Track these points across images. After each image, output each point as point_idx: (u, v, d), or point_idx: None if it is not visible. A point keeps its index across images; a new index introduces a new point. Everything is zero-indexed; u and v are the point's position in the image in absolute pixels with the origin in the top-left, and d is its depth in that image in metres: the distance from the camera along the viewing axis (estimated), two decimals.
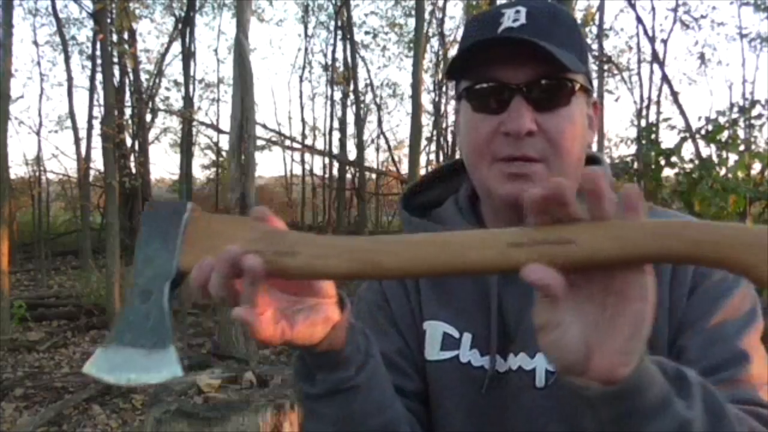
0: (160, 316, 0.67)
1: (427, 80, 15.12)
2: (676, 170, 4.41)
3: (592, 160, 0.97)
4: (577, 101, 0.88)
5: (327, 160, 16.24)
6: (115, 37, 10.27)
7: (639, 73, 14.78)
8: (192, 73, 14.41)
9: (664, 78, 11.44)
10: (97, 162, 13.81)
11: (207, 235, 0.69)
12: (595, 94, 0.95)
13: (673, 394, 0.62)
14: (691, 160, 4.39)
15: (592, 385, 0.60)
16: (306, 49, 17.20)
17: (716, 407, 0.66)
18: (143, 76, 14.96)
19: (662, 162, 4.39)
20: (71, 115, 13.06)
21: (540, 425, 0.86)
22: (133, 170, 13.36)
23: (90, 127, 12.47)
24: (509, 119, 0.84)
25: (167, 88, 16.33)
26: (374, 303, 1.00)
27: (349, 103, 16.14)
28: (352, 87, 14.89)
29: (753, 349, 0.81)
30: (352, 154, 16.16)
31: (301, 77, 17.03)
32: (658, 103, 13.27)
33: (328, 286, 0.73)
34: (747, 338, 0.82)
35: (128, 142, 13.79)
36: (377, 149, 19.22)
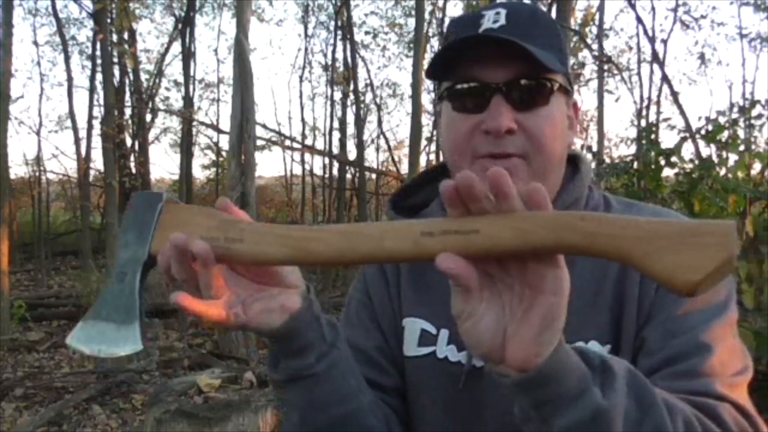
0: (131, 296, 0.73)
1: (427, 80, 15.13)
2: (676, 170, 4.41)
3: (574, 158, 0.99)
4: (556, 101, 0.89)
5: (327, 160, 16.24)
6: (115, 37, 10.28)
7: (639, 73, 14.78)
8: (192, 73, 14.43)
9: (664, 78, 11.43)
10: (97, 162, 13.83)
11: (176, 223, 0.74)
12: (576, 96, 0.97)
13: (591, 384, 0.63)
14: (691, 160, 4.39)
15: (510, 373, 0.62)
16: (306, 49, 17.21)
17: (646, 398, 0.66)
18: (143, 76, 14.97)
19: (662, 162, 4.38)
20: (71, 115, 13.05)
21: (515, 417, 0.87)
22: (133, 170, 13.36)
23: (90, 127, 12.47)
24: (489, 118, 0.86)
25: (167, 88, 16.34)
26: (360, 301, 1.03)
27: (349, 103, 16.14)
28: (352, 87, 14.88)
29: (717, 340, 0.81)
30: (352, 154, 16.17)
31: (301, 77, 17.02)
32: (658, 103, 13.27)
33: (292, 276, 0.77)
34: (712, 329, 0.82)
35: (128, 142, 13.79)
36: (377, 149, 19.22)
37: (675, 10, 13.77)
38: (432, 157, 16.05)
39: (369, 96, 17.27)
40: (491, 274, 0.61)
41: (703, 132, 4.34)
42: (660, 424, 0.65)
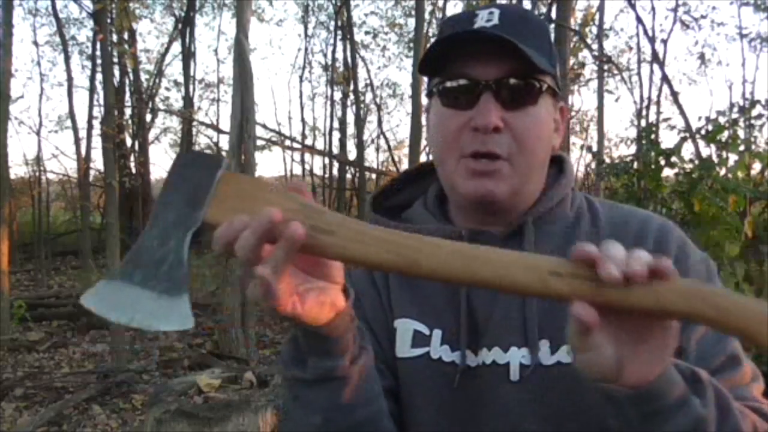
0: (177, 263, 0.65)
1: (427, 80, 15.13)
2: (676, 170, 4.40)
3: (559, 160, 1.00)
4: (544, 102, 0.90)
5: (327, 160, 16.25)
6: (115, 37, 10.28)
7: (639, 73, 14.77)
8: (192, 73, 14.44)
9: (664, 78, 11.43)
10: (97, 162, 13.81)
11: (237, 194, 0.67)
12: (562, 102, 0.98)
13: (690, 394, 0.68)
14: (691, 160, 4.39)
15: (622, 390, 0.66)
16: (306, 49, 17.20)
17: (724, 404, 0.72)
18: (143, 76, 14.97)
19: (662, 162, 4.38)
20: (71, 115, 13.04)
21: (515, 418, 0.88)
22: (133, 170, 13.36)
23: (90, 127, 12.46)
24: (478, 114, 0.87)
25: (167, 88, 16.33)
26: None
27: (349, 103, 16.14)
28: (352, 87, 14.87)
29: (740, 349, 0.87)
30: (352, 154, 16.17)
31: (301, 77, 17.02)
32: (658, 103, 13.26)
33: (337, 271, 0.74)
34: (735, 342, 0.87)
35: (128, 142, 13.79)
36: (377, 149, 19.22)
37: (675, 10, 13.78)
38: (432, 157, 16.04)
39: (369, 96, 17.27)
40: (610, 312, 0.63)
41: (703, 132, 4.34)
42: (737, 427, 0.72)
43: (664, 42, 13.83)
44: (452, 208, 0.99)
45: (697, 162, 4.31)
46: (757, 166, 4.31)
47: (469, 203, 0.92)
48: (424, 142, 13.96)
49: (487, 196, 0.89)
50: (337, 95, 16.44)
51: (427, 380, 0.92)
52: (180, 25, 14.08)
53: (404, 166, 14.31)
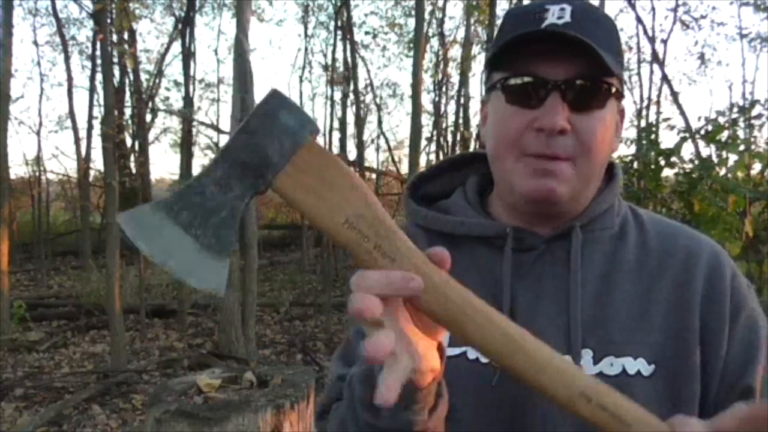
0: (230, 219, 0.58)
1: (427, 80, 15.09)
2: (676, 170, 4.41)
3: (611, 167, 0.98)
4: (611, 105, 0.87)
5: None
6: (115, 37, 10.26)
7: (639, 73, 14.76)
8: (192, 73, 14.39)
9: (664, 78, 11.44)
10: (97, 162, 13.84)
11: (317, 173, 0.60)
12: (623, 103, 0.95)
13: None
14: (691, 160, 4.39)
15: None
16: (306, 49, 17.17)
17: None
18: (143, 76, 14.93)
19: (662, 162, 4.38)
20: (71, 115, 13.07)
21: (551, 424, 0.86)
22: (133, 170, 13.35)
23: (90, 127, 12.47)
24: (544, 115, 0.84)
25: (167, 88, 16.30)
26: None
27: (349, 103, 16.12)
28: (352, 87, 14.87)
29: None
30: (352, 154, 16.16)
31: (301, 77, 16.96)
32: (658, 103, 13.25)
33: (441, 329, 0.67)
34: None
35: (128, 142, 13.78)
36: (377, 149, 19.24)
37: (675, 10, 13.78)
38: (432, 157, 16.04)
39: (369, 96, 17.26)
40: None
41: (702, 132, 4.34)
42: None
43: (664, 42, 13.84)
44: (495, 204, 0.97)
45: (696, 162, 4.31)
46: (756, 166, 4.31)
47: (526, 202, 0.89)
48: (424, 142, 13.90)
49: (548, 196, 0.86)
50: (337, 95, 16.42)
51: (464, 380, 0.89)
52: (180, 25, 14.05)
53: (404, 166, 14.31)
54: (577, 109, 0.84)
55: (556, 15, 0.85)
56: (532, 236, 0.91)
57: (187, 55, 13.18)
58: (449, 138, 15.86)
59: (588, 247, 0.90)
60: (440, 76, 15.74)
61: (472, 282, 0.92)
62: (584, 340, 0.86)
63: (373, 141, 18.53)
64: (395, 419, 0.71)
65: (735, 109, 4.82)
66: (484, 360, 0.89)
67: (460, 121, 15.24)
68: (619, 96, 0.90)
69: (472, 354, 0.90)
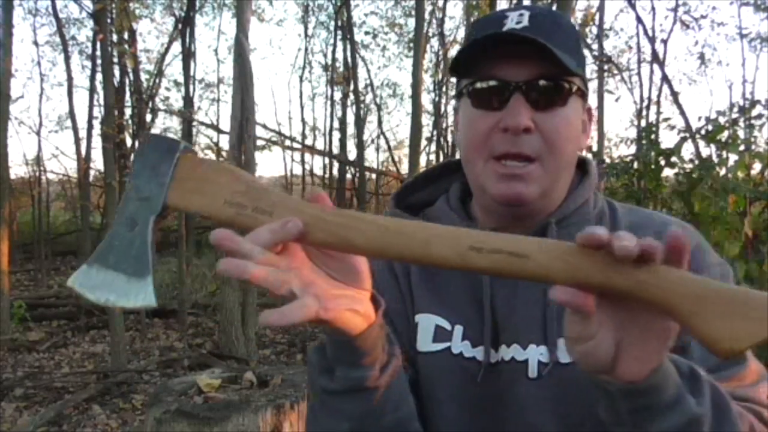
0: (142, 247, 0.70)
1: (427, 80, 15.10)
2: (676, 170, 4.41)
3: (582, 163, 1.01)
4: (573, 103, 0.91)
5: (327, 160, 16.23)
6: (115, 37, 10.26)
7: (639, 73, 14.76)
8: (192, 73, 14.40)
9: (664, 78, 11.44)
10: (97, 162, 13.82)
11: (196, 177, 0.70)
12: (589, 101, 0.98)
13: (685, 392, 0.67)
14: (691, 160, 4.39)
15: (616, 383, 0.65)
16: (306, 49, 17.20)
17: (722, 404, 0.71)
18: (143, 76, 14.93)
19: (662, 162, 4.38)
20: (71, 115, 13.02)
21: (532, 414, 0.88)
22: None
23: (90, 127, 12.44)
24: (508, 116, 0.87)
25: (167, 88, 16.29)
26: None
27: (349, 103, 16.13)
28: (352, 87, 14.87)
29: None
30: (352, 154, 16.16)
31: (301, 77, 17.02)
32: (658, 103, 13.25)
33: (364, 276, 0.73)
34: None
35: (128, 142, 13.78)
36: (377, 149, 19.21)
37: (675, 10, 13.78)
38: (432, 157, 16.05)
39: (369, 96, 17.27)
40: (609, 297, 0.62)
41: (703, 132, 4.34)
42: (734, 428, 0.71)
43: (664, 42, 13.84)
44: (476, 208, 1.00)
45: (697, 162, 4.32)
46: (756, 166, 4.31)
47: (498, 204, 0.92)
48: (424, 142, 13.94)
49: (516, 198, 0.89)
50: (337, 95, 16.44)
51: (448, 375, 0.92)
52: (180, 25, 14.06)
53: (404, 166, 14.31)
54: (540, 108, 0.88)
55: (515, 20, 0.90)
56: None
57: (187, 55, 13.20)
58: (449, 138, 15.86)
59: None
60: (440, 76, 15.74)
61: (456, 280, 0.97)
62: (560, 329, 0.87)
63: (373, 141, 18.55)
64: (347, 379, 0.76)
65: (735, 109, 4.83)
66: (468, 355, 0.92)
67: None
68: (582, 95, 0.93)
69: (456, 349, 0.93)
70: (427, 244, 0.64)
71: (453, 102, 1.12)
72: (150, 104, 14.65)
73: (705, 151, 4.55)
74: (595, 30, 11.53)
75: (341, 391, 0.78)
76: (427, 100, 15.60)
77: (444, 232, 0.64)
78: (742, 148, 4.13)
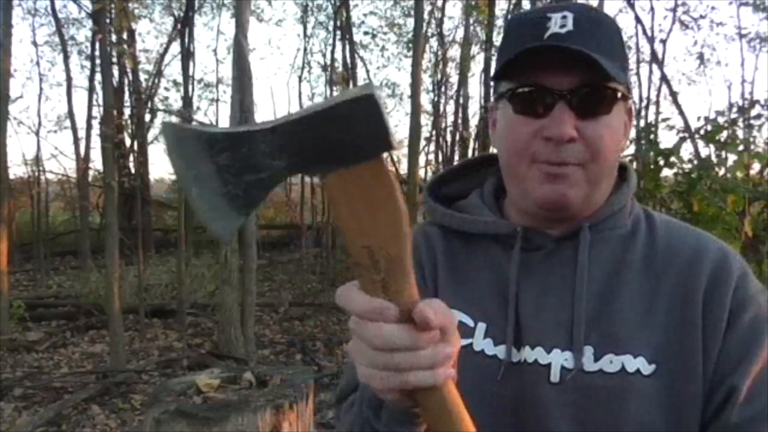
0: (266, 183, 0.57)
1: (426, 80, 15.10)
2: (675, 170, 4.41)
3: (622, 168, 0.99)
4: (617, 109, 0.89)
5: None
6: (114, 38, 10.26)
7: (638, 73, 14.74)
8: (191, 73, 14.40)
9: (663, 78, 11.45)
10: (97, 162, 13.81)
11: (366, 187, 0.58)
12: (631, 103, 0.96)
13: None
14: (690, 160, 4.40)
15: None
16: (305, 49, 17.19)
17: None
18: (142, 76, 14.91)
19: (661, 162, 4.39)
20: (70, 115, 13.05)
21: (552, 419, 0.87)
22: (133, 170, 13.35)
23: (89, 128, 12.46)
24: (551, 125, 0.85)
25: (166, 88, 16.33)
26: None
27: None
28: (351, 87, 14.87)
29: None
30: None
31: (300, 77, 16.96)
32: (657, 103, 13.26)
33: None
34: None
35: (127, 142, 13.78)
36: None
37: (674, 10, 13.78)
38: (431, 157, 16.05)
39: None
40: None
41: (702, 132, 4.35)
42: None
43: (663, 42, 13.84)
44: (509, 206, 0.99)
45: (696, 162, 4.32)
46: (756, 166, 4.31)
47: (540, 207, 0.91)
48: (423, 142, 13.92)
49: (561, 200, 0.88)
50: None
51: (469, 371, 0.90)
52: (179, 25, 14.06)
53: (403, 165, 14.31)
54: (584, 116, 0.86)
55: (558, 23, 0.86)
56: (541, 236, 0.93)
57: (186, 55, 13.20)
58: (448, 138, 15.87)
59: (596, 247, 0.92)
60: (439, 76, 15.76)
61: (482, 276, 0.96)
62: (587, 336, 0.87)
63: None
64: (392, 429, 0.76)
65: (734, 109, 4.83)
66: (489, 352, 0.91)
67: (459, 121, 15.24)
68: (625, 98, 0.91)
69: (478, 346, 0.92)
70: None
71: (482, 98, 1.08)
72: (149, 104, 14.64)
73: (704, 151, 4.56)
74: None
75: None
76: (426, 100, 15.60)
77: None
78: (741, 148, 4.13)
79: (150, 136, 15.01)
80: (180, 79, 14.16)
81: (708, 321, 0.86)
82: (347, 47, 14.91)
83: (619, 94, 0.88)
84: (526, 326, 0.90)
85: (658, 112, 11.77)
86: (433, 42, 15.59)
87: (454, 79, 15.67)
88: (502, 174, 0.96)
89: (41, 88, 15.81)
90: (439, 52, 15.84)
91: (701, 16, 14.34)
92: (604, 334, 0.87)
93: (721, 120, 4.33)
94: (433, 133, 16.04)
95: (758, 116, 4.68)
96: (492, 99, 0.99)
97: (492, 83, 0.97)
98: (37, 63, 15.32)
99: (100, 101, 10.76)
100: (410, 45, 14.23)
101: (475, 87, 16.20)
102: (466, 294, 0.95)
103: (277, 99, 62.12)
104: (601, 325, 0.87)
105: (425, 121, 15.32)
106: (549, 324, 0.90)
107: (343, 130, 0.54)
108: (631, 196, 0.98)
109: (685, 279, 0.89)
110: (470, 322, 0.93)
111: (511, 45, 0.89)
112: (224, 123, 14.81)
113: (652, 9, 13.60)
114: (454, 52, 15.69)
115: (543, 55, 0.85)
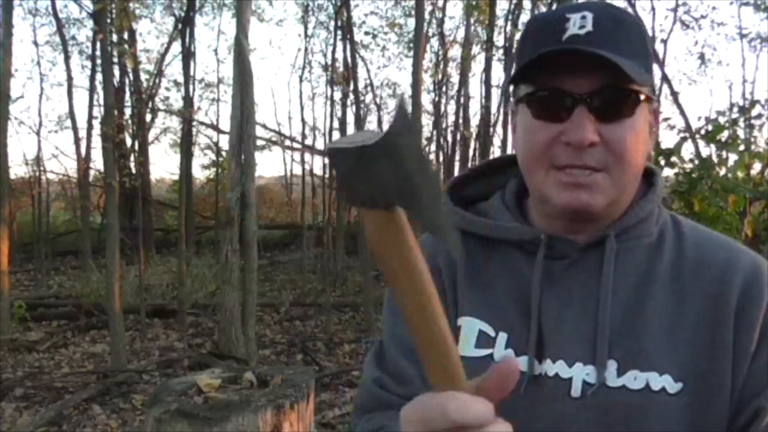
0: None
1: (427, 80, 15.09)
2: (676, 170, 4.40)
3: (649, 172, 0.96)
4: (641, 111, 0.85)
5: (327, 160, 16.20)
6: (115, 37, 10.26)
7: None
8: (192, 73, 14.40)
9: (664, 78, 11.42)
10: (97, 162, 13.82)
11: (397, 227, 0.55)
12: (656, 103, 0.93)
13: None
14: (691, 160, 4.39)
15: None
16: (306, 49, 17.17)
17: None
18: (143, 76, 14.92)
19: (662, 162, 4.38)
20: (71, 115, 13.06)
21: (579, 429, 0.84)
22: (133, 170, 13.35)
23: (90, 127, 12.48)
24: (571, 129, 0.82)
25: (167, 88, 16.26)
26: None
27: (348, 103, 16.11)
28: (351, 87, 14.86)
29: None
30: None
31: (300, 77, 16.97)
32: (657, 103, 13.24)
33: None
34: None
35: (128, 142, 13.78)
36: None
37: (675, 10, 13.78)
38: (432, 157, 16.04)
39: (369, 96, 17.26)
40: None
41: (702, 132, 4.34)
42: None
43: (664, 42, 13.83)
44: (533, 211, 0.96)
45: (696, 162, 4.31)
46: (756, 166, 4.31)
47: (561, 213, 0.88)
48: (424, 142, 13.88)
49: (583, 208, 0.85)
50: (337, 95, 16.42)
51: None
52: (180, 25, 14.06)
53: None
54: (606, 119, 0.83)
55: (578, 24, 0.83)
56: (565, 244, 0.90)
57: (187, 55, 13.20)
58: (449, 138, 15.87)
59: (622, 257, 0.88)
60: (440, 76, 15.73)
61: (504, 285, 0.93)
62: (610, 350, 0.84)
63: None
64: None
65: (735, 109, 4.83)
66: None
67: (460, 121, 15.23)
68: (649, 99, 0.87)
69: (498, 356, 0.89)
70: None
71: (500, 100, 1.05)
72: (150, 104, 14.65)
73: (705, 151, 4.55)
74: None
75: None
76: (426, 100, 15.59)
77: None
78: (741, 148, 4.13)
79: (151, 136, 15.04)
80: (181, 79, 14.16)
81: (738, 340, 0.84)
82: (348, 47, 14.91)
83: (642, 96, 0.85)
84: (547, 338, 0.87)
85: (658, 112, 11.76)
86: (434, 42, 15.59)
87: (455, 79, 15.66)
88: (524, 178, 0.93)
89: (42, 88, 15.86)
90: (440, 52, 15.83)
91: (702, 16, 14.34)
92: (629, 349, 0.84)
93: (722, 120, 4.33)
94: (434, 133, 16.04)
95: (759, 116, 4.67)
96: (512, 102, 0.95)
97: (511, 87, 0.94)
98: (38, 63, 15.35)
99: (101, 101, 10.78)
100: (411, 45, 14.23)
101: (475, 87, 16.22)
102: (488, 303, 0.92)
103: (278, 99, 62.18)
104: (626, 339, 0.85)
105: (426, 121, 15.35)
106: (571, 336, 0.86)
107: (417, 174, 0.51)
108: (658, 203, 0.94)
109: (715, 294, 0.86)
110: (491, 332, 0.90)
111: (529, 48, 0.86)
112: (224, 123, 14.81)
113: (652, 9, 13.60)
114: (455, 52, 15.68)
115: (560, 58, 0.82)
